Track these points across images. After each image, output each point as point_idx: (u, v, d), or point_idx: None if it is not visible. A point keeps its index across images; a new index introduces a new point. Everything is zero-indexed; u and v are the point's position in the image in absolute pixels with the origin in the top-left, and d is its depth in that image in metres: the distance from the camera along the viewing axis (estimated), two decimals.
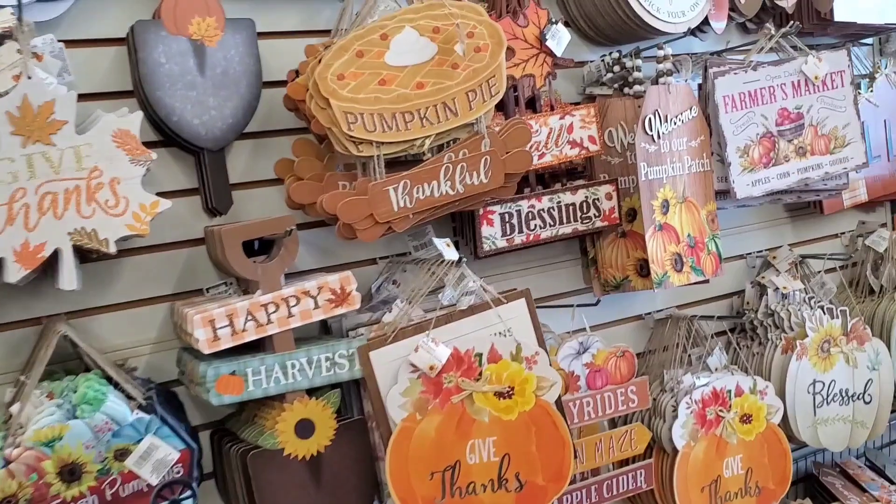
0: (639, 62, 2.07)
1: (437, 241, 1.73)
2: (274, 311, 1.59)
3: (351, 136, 1.58)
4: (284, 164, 1.75)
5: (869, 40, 2.62)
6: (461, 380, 1.68)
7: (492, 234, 1.89)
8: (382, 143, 1.61)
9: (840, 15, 2.30)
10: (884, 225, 2.69)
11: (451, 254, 1.72)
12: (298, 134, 1.77)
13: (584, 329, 2.00)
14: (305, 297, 1.61)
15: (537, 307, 2.05)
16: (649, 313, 2.30)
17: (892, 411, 2.40)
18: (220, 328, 1.53)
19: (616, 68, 2.10)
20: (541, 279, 2.14)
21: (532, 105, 1.99)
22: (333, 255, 1.89)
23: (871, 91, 2.51)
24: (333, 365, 1.64)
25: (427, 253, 1.89)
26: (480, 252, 1.89)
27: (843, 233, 2.65)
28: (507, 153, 1.72)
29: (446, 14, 1.64)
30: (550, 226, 1.96)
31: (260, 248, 1.70)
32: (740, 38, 2.39)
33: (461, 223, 1.98)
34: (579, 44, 2.17)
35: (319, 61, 1.57)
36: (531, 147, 1.91)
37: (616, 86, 2.12)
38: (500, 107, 1.96)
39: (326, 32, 1.81)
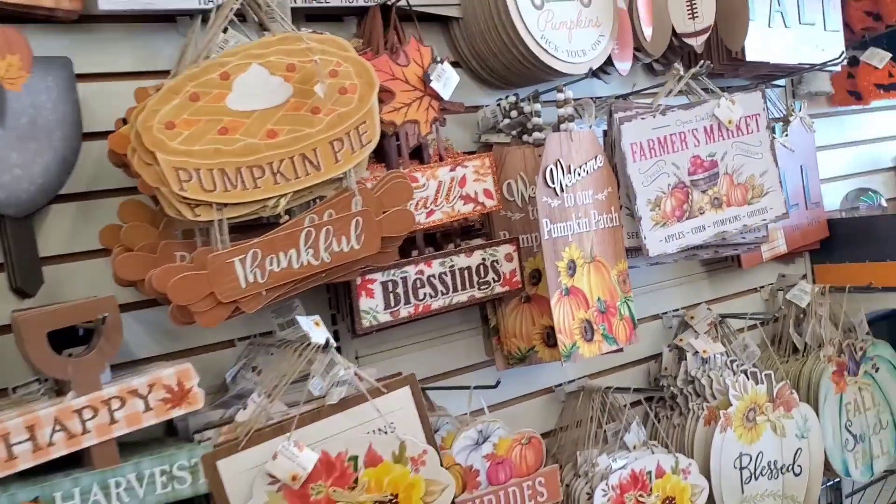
0: (538, 106, 1.84)
1: (301, 319, 1.44)
2: (91, 418, 1.27)
3: (184, 198, 1.28)
4: (111, 232, 1.43)
5: (781, 82, 2.48)
6: (333, 490, 1.38)
7: (372, 306, 1.61)
8: (225, 204, 1.32)
9: (752, 54, 2.14)
10: (804, 277, 2.54)
11: (318, 335, 1.44)
12: (130, 194, 1.45)
13: (486, 410, 1.73)
14: (133, 397, 1.29)
15: (432, 387, 1.79)
16: (560, 385, 2.05)
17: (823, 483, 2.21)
18: (18, 444, 1.21)
19: (513, 113, 1.87)
20: (435, 354, 1.87)
21: (419, 155, 1.73)
22: (181, 338, 1.57)
23: (786, 135, 2.36)
24: (172, 480, 1.32)
25: (295, 332, 1.59)
26: (359, 328, 1.60)
27: (763, 286, 2.47)
28: (383, 213, 1.45)
29: (303, 49, 1.37)
30: (443, 294, 1.69)
31: (86, 334, 1.37)
32: (647, 80, 2.21)
33: (337, 294, 1.70)
34: (472, 86, 1.93)
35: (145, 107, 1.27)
36: (417, 204, 1.65)
37: (514, 133, 1.89)
38: (382, 158, 1.70)
39: (167, 73, 1.52)
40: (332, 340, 1.44)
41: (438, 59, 1.68)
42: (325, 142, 1.39)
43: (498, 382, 1.71)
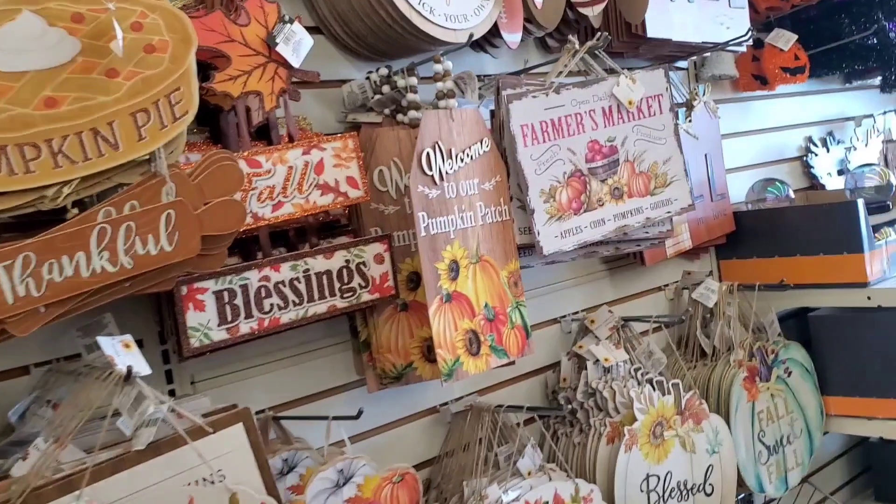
0: (413, 81, 1.57)
1: (104, 340, 1.13)
2: None
3: None
4: None
5: (683, 64, 2.29)
6: None
7: (203, 322, 1.30)
8: None
9: (653, 30, 1.93)
10: (710, 274, 2.35)
11: (125, 360, 1.13)
12: None
13: (348, 442, 1.44)
14: None
15: (284, 417, 1.49)
16: (445, 405, 1.79)
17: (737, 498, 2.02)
18: None
19: (385, 88, 1.59)
20: (294, 376, 1.57)
21: (266, 135, 1.43)
22: None
23: (690, 121, 2.16)
24: None
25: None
26: (186, 350, 1.29)
27: (668, 285, 2.27)
28: (204, 205, 1.15)
29: None
30: (295, 304, 1.39)
31: None
32: (541, 56, 1.97)
33: (160, 305, 1.38)
34: (336, 56, 1.64)
35: None
36: (260, 194, 1.35)
37: (386, 112, 1.61)
38: (219, 138, 1.39)
39: None
40: (138, 369, 1.13)
41: (287, 18, 1.39)
42: (125, 113, 1.08)
43: (360, 413, 1.42)
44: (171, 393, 1.43)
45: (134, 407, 1.15)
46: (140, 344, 1.39)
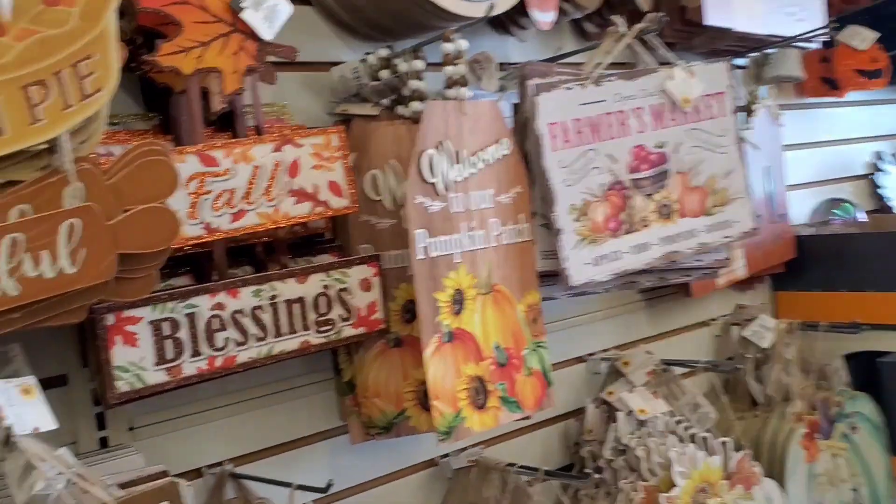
0: (419, 65, 1.27)
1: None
2: None
3: None
4: None
5: (742, 61, 1.97)
6: None
7: (135, 360, 1.02)
8: None
9: (713, 17, 1.62)
10: (765, 309, 2.03)
11: (17, 411, 0.86)
12: None
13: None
14: None
15: (245, 476, 1.20)
16: (445, 457, 1.49)
17: None
18: None
19: (384, 74, 1.29)
20: (258, 421, 1.28)
21: (230, 124, 1.15)
22: None
23: (749, 128, 1.85)
24: None
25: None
26: (111, 395, 1.00)
27: (714, 319, 1.95)
28: (125, 212, 0.86)
29: None
30: (258, 340, 1.10)
31: None
32: (577, 43, 1.67)
33: (83, 337, 1.09)
34: (328, 33, 1.36)
35: None
36: (217, 200, 1.07)
37: (385, 102, 1.31)
38: (168, 128, 1.11)
39: None
40: (38, 423, 0.85)
41: None
42: (14, 86, 0.79)
43: (329, 485, 1.12)
44: (103, 441, 1.15)
45: (23, 477, 0.87)
46: (63, 380, 1.12)
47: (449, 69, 1.23)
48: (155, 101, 1.14)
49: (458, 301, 1.21)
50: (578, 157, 1.33)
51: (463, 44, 1.23)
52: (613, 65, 1.43)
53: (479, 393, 1.23)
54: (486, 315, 1.25)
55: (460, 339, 1.21)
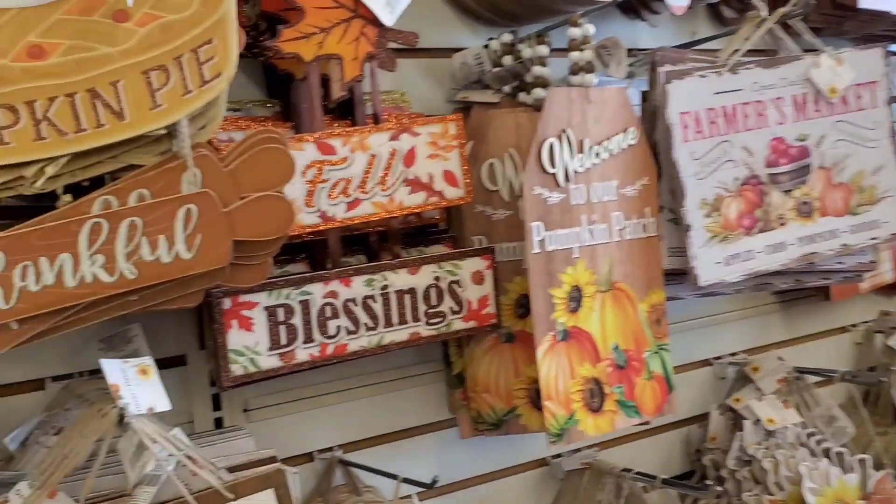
0: (543, 50, 1.22)
1: (107, 363, 0.88)
2: None
3: None
4: None
5: None
6: None
7: (249, 345, 1.03)
8: None
9: (868, 0, 1.48)
10: None
11: (133, 391, 0.88)
12: None
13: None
14: None
15: (353, 464, 1.20)
16: (557, 457, 1.44)
17: None
18: None
19: (507, 60, 1.25)
20: (369, 409, 1.28)
21: (350, 111, 1.13)
22: None
23: None
24: None
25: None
26: (226, 378, 1.02)
27: (855, 325, 1.81)
28: (240, 199, 0.86)
29: None
30: (368, 329, 1.09)
31: None
32: (713, 28, 1.56)
33: (200, 319, 1.11)
34: (450, 18, 1.33)
35: None
36: (333, 189, 1.06)
37: (507, 89, 1.27)
38: (287, 115, 1.12)
39: None
40: (152, 404, 0.87)
41: None
42: (136, 70, 0.80)
43: (434, 481, 1.10)
44: (218, 422, 1.17)
45: (136, 456, 0.89)
46: (182, 360, 1.15)
47: (574, 55, 1.18)
48: (277, 88, 1.14)
49: (576, 298, 1.16)
50: (711, 149, 1.25)
51: (590, 28, 1.17)
52: (752, 52, 1.33)
53: (595, 395, 1.17)
54: (605, 314, 1.19)
55: (576, 338, 1.16)
